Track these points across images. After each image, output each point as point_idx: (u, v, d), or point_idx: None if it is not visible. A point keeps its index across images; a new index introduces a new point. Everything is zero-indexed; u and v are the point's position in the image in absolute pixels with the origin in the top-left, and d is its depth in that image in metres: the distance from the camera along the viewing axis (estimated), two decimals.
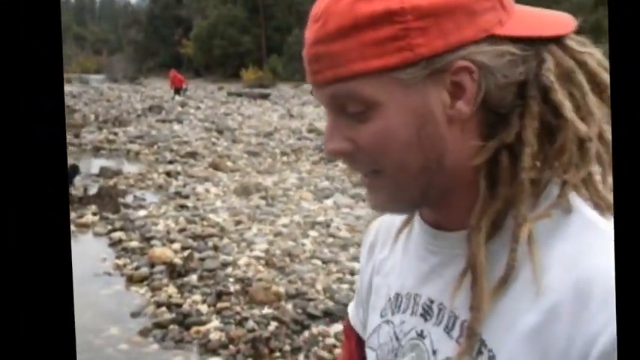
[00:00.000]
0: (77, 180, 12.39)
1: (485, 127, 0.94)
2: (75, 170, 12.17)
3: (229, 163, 15.43)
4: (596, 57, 0.94)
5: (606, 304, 0.80)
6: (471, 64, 0.89)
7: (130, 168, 15.14)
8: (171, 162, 15.90)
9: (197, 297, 7.12)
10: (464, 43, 0.89)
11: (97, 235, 9.82)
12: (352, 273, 7.59)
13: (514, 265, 0.90)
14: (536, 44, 0.92)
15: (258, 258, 8.17)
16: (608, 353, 0.79)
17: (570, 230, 0.91)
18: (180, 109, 28.20)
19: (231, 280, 7.50)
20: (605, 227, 0.89)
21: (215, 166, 14.98)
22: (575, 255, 0.88)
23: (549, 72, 0.90)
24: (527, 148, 0.90)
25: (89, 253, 8.84)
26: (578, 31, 0.95)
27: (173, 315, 6.75)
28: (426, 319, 1.03)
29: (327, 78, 0.92)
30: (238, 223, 9.92)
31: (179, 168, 14.91)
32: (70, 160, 15.50)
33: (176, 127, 22.11)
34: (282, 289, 7.10)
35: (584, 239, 0.89)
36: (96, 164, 15.32)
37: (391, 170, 0.94)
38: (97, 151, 17.93)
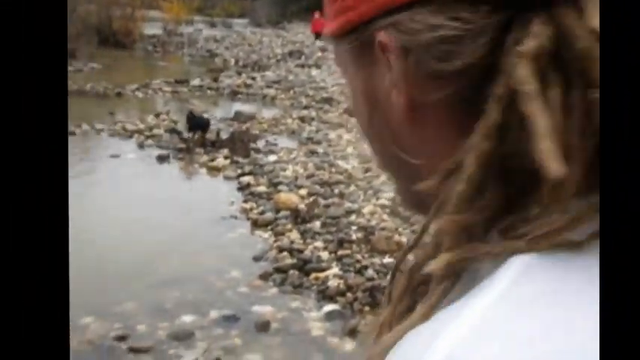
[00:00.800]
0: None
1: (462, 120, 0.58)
2: (207, 123, 12.30)
3: None
4: None
5: None
6: (388, 38, 0.60)
7: (265, 113, 15.27)
8: (306, 107, 15.93)
9: (319, 243, 7.12)
10: (390, 6, 0.59)
11: (226, 178, 9.98)
12: None
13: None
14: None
15: (383, 206, 8.07)
16: None
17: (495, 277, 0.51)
18: (320, 54, 28.21)
19: (354, 228, 7.44)
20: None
21: (350, 112, 14.85)
22: (456, 312, 0.50)
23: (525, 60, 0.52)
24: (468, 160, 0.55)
25: (218, 196, 9.04)
26: None
27: (294, 260, 6.78)
28: None
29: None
30: (367, 170, 9.83)
31: (313, 113, 14.92)
32: (208, 104, 15.83)
33: (314, 72, 22.11)
34: (404, 239, 6.98)
35: (480, 303, 0.49)
36: (233, 108, 15.53)
37: (376, 160, 0.71)
38: (234, 95, 18.14)
